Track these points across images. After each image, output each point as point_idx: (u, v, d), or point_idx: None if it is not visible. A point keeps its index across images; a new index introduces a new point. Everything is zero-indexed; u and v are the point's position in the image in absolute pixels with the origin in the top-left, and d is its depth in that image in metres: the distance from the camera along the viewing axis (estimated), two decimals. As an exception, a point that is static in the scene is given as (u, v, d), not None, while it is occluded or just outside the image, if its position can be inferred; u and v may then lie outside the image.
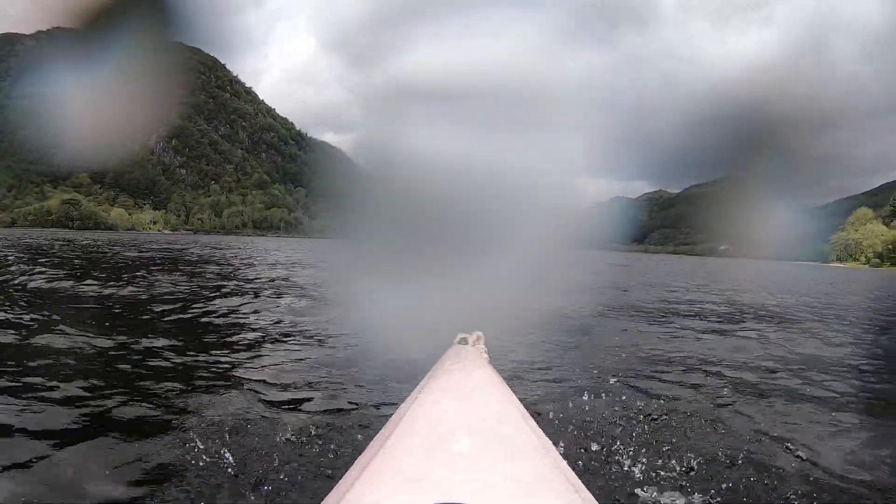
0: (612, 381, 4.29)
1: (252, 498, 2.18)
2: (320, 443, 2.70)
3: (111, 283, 9.29)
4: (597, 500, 0.91)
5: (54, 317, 5.79)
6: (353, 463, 1.05)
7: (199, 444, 2.62)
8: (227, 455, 2.50)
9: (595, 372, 4.54)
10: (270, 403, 3.37)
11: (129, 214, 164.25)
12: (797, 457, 2.85)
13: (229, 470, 2.36)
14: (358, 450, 1.37)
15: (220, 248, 31.13)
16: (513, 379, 3.68)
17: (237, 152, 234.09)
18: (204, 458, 2.48)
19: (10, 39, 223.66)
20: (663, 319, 7.69)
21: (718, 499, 2.38)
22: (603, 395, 3.85)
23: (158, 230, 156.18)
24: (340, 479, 0.99)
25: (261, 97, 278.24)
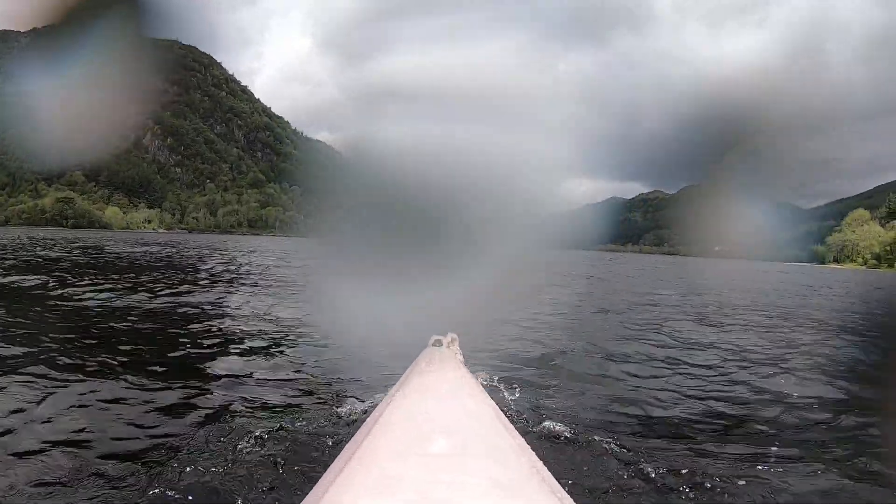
0: (592, 384, 4.29)
1: (228, 501, 2.17)
2: (296, 445, 2.69)
3: None
4: (574, 501, 0.91)
5: None
6: (329, 465, 1.04)
7: (172, 447, 2.63)
8: (201, 458, 2.49)
9: (573, 374, 4.54)
10: (244, 406, 3.34)
11: (124, 213, 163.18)
12: None
13: (203, 473, 2.35)
14: (334, 452, 1.33)
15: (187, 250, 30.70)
16: (487, 380, 3.72)
17: (233, 151, 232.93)
18: (177, 461, 2.47)
19: (5, 37, 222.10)
20: (665, 338, 7.53)
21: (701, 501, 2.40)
22: (580, 397, 3.86)
23: (153, 229, 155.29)
24: (317, 481, 0.98)
25: (256, 96, 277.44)
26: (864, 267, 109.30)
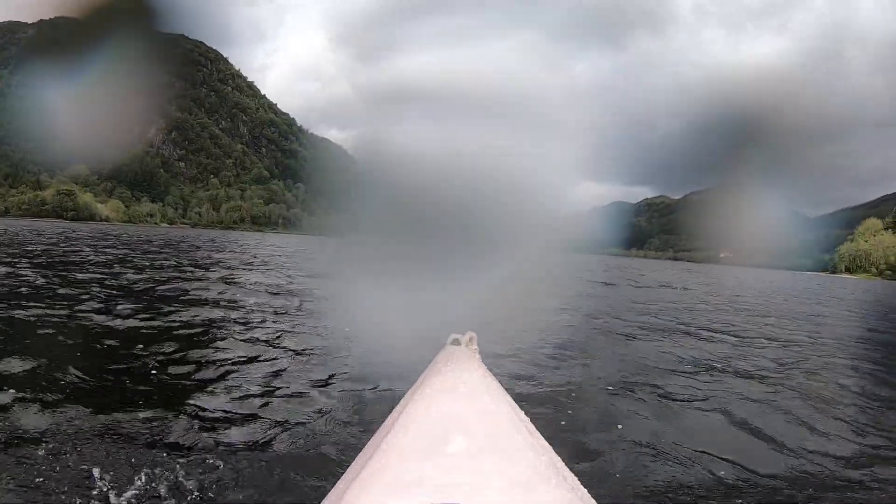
0: (610, 383, 4.28)
1: (249, 500, 2.24)
2: (316, 444, 2.79)
3: None
4: (594, 498, 0.90)
5: None
6: (349, 466, 1.04)
7: (192, 446, 2.69)
8: (223, 457, 2.57)
9: (591, 373, 4.57)
10: (265, 407, 3.33)
11: (126, 207, 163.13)
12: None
13: (226, 472, 2.42)
14: (354, 452, 1.32)
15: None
16: (506, 379, 3.69)
17: (237, 147, 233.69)
18: (199, 460, 2.53)
19: (12, 28, 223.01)
20: (672, 337, 7.20)
21: (715, 498, 2.53)
22: (600, 396, 3.86)
23: (155, 223, 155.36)
24: (337, 481, 0.98)
25: (267, 92, 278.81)
26: (878, 277, 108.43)
